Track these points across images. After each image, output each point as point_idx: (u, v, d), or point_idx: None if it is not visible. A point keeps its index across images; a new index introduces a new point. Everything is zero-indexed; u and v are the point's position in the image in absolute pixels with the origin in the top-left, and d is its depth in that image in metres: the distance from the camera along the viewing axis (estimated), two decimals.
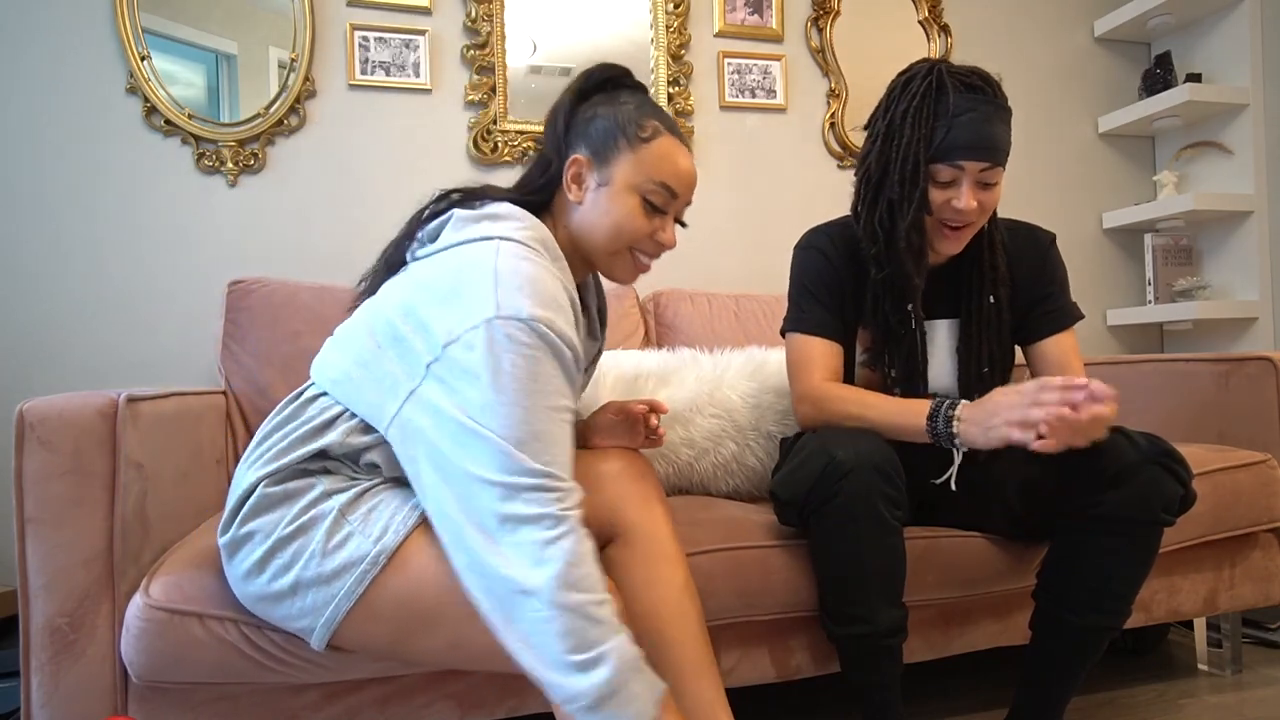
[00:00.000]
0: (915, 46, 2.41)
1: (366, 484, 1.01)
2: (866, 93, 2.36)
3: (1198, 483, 1.43)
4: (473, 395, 0.88)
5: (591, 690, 0.82)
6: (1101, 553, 1.15)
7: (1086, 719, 1.45)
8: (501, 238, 0.99)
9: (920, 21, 2.42)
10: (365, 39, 2.00)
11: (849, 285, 1.33)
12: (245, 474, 1.02)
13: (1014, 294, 1.34)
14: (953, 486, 1.24)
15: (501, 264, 0.94)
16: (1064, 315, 1.36)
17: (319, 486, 0.99)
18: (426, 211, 1.08)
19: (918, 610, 1.33)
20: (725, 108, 2.27)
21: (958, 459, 1.23)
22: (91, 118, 1.84)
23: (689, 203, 1.11)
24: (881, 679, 1.17)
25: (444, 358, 0.90)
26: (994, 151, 1.20)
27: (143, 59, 1.85)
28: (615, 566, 1.09)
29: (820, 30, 2.33)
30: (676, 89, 2.20)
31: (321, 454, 1.01)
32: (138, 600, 1.06)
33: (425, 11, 2.05)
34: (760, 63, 2.29)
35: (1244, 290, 2.38)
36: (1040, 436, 1.03)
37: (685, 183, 1.09)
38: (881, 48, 2.38)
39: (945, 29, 2.43)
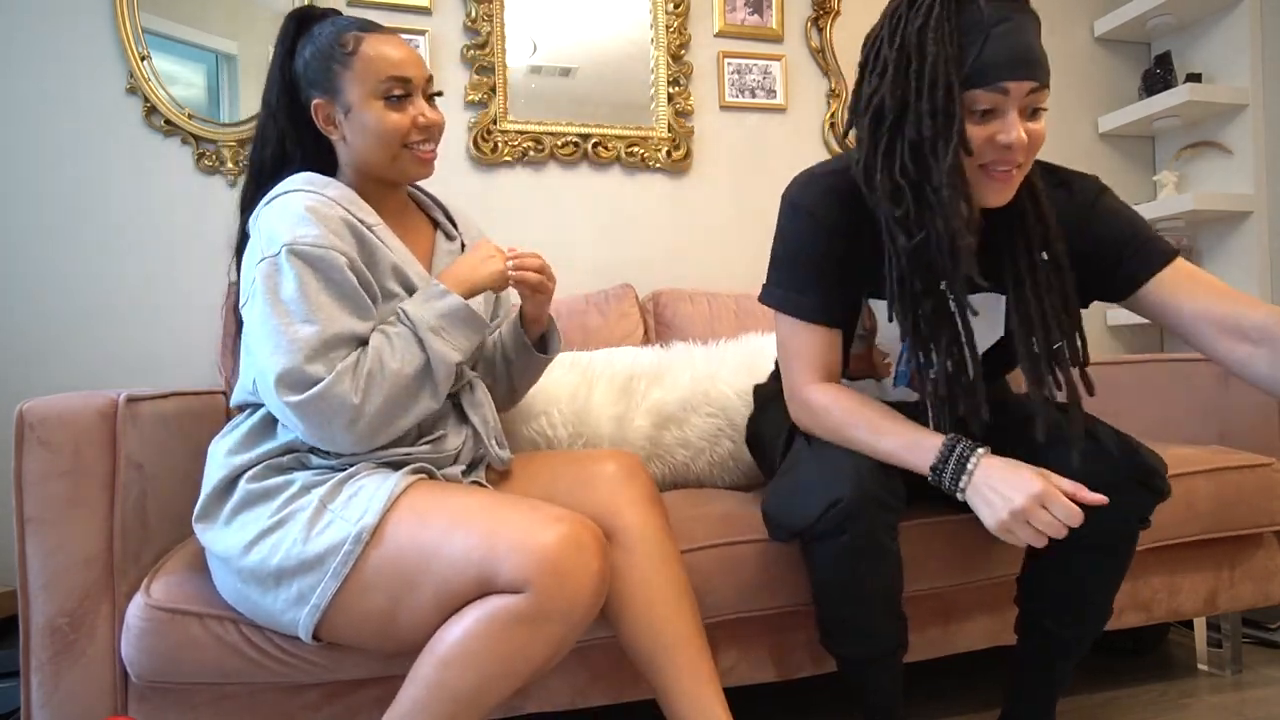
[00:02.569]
0: None
1: (348, 472, 1.04)
2: None
3: (1199, 480, 1.45)
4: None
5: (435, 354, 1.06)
6: (1082, 568, 1.13)
7: (1087, 719, 1.45)
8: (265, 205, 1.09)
9: None
10: None
11: (852, 251, 1.11)
12: (217, 455, 1.09)
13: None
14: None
15: (262, 224, 1.06)
16: (1159, 250, 1.09)
17: (297, 482, 1.04)
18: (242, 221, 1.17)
19: (918, 602, 1.33)
20: (725, 108, 2.26)
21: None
22: (91, 118, 1.84)
23: (429, 77, 1.15)
24: (882, 685, 1.17)
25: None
26: (1040, 69, 0.97)
27: (143, 59, 1.85)
28: (611, 568, 1.09)
29: (820, 30, 2.32)
30: (676, 89, 2.20)
31: (290, 449, 1.07)
32: (138, 600, 1.07)
33: (425, 11, 2.05)
34: (760, 63, 2.29)
35: (1244, 290, 2.37)
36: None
37: (409, 66, 1.12)
38: None
39: None
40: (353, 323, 1.03)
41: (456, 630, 0.93)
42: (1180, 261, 1.10)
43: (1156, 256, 1.09)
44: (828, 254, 1.11)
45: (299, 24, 1.16)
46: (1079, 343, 1.09)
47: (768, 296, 1.17)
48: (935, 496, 1.23)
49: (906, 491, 1.10)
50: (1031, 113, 0.99)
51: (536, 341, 1.30)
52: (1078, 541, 1.04)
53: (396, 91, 1.11)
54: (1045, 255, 1.07)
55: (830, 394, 1.11)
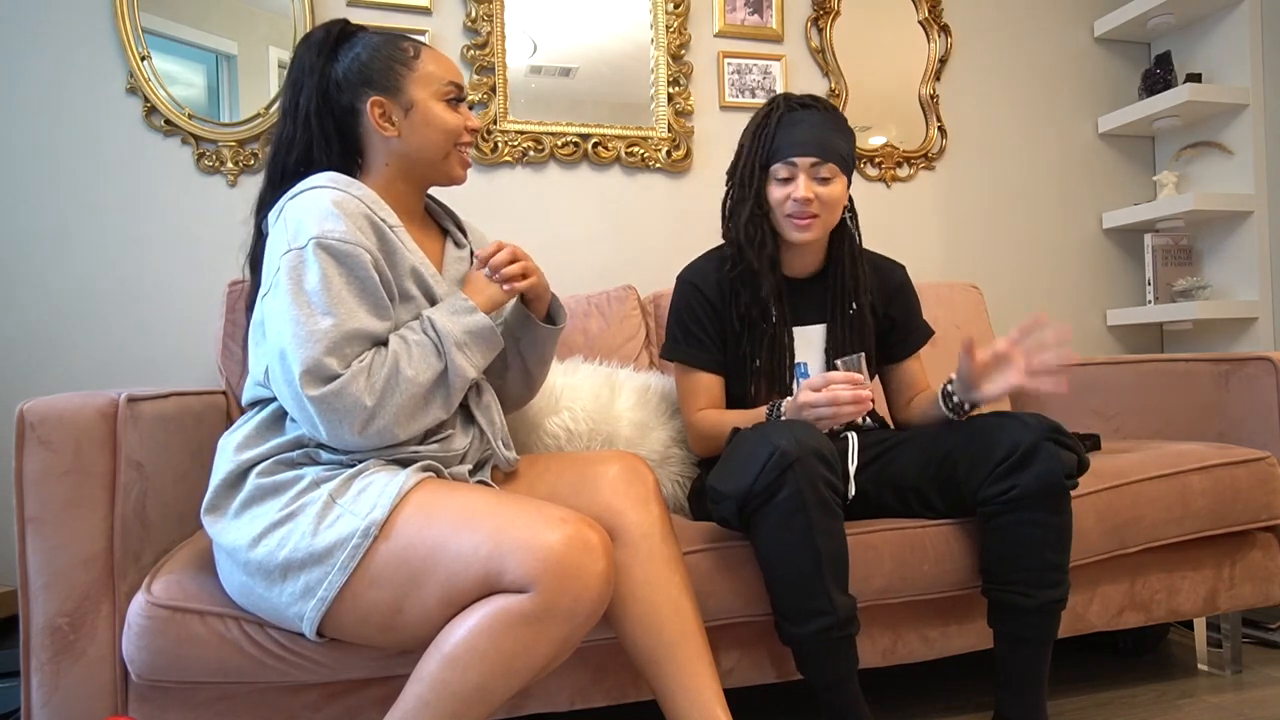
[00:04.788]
0: (915, 46, 2.41)
1: (358, 468, 1.05)
2: (866, 93, 2.36)
3: (1198, 477, 1.46)
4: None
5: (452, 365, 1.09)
6: (1029, 528, 1.23)
7: (1086, 719, 1.45)
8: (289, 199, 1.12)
9: (920, 21, 2.42)
10: None
11: (727, 314, 1.46)
12: (227, 450, 1.10)
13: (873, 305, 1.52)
14: (851, 491, 1.29)
15: (289, 217, 1.08)
16: (916, 340, 1.56)
17: (306, 477, 1.04)
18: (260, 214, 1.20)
19: (915, 604, 1.33)
20: (725, 108, 2.26)
21: (854, 456, 1.31)
22: (91, 118, 1.84)
23: (468, 91, 1.25)
24: (844, 671, 1.18)
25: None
26: (823, 149, 1.36)
27: (143, 59, 1.85)
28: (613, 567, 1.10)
29: (820, 30, 2.33)
30: (676, 89, 2.20)
31: (299, 443, 1.07)
32: (140, 598, 1.07)
33: (425, 11, 2.05)
34: (760, 63, 2.29)
35: (1244, 290, 2.38)
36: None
37: (458, 74, 1.24)
38: (881, 48, 2.38)
39: (945, 29, 2.43)
40: (370, 321, 1.05)
41: (462, 629, 0.94)
42: (917, 358, 1.56)
43: (913, 345, 1.56)
44: (707, 315, 1.47)
45: (337, 38, 1.21)
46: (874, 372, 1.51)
47: (665, 352, 1.52)
48: (924, 506, 1.36)
49: (899, 506, 1.35)
50: (820, 179, 1.37)
51: (544, 318, 1.31)
52: (1018, 503, 1.22)
53: (452, 95, 1.21)
54: (854, 306, 1.47)
55: (704, 414, 1.46)
